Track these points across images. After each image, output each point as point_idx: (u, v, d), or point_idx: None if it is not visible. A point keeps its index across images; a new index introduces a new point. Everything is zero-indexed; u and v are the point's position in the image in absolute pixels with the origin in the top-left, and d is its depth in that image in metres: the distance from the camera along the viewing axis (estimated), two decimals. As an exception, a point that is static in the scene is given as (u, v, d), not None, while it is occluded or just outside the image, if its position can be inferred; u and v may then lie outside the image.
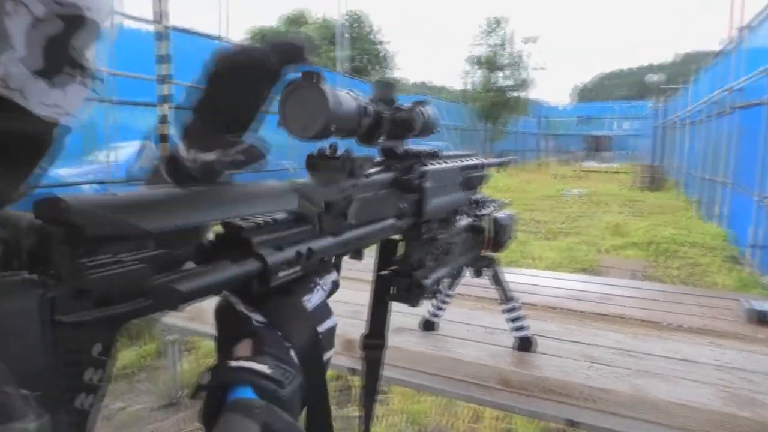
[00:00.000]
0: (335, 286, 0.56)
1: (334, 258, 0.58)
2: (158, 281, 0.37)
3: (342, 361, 1.51)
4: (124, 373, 3.28)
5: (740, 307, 1.86)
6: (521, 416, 2.39)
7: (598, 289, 2.14)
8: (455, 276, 1.56)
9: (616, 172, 19.54)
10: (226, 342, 0.47)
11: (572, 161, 22.65)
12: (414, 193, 0.75)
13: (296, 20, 27.93)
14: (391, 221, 0.69)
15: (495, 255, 1.44)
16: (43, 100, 0.34)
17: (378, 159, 0.76)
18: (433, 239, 0.88)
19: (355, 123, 0.61)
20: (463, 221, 1.11)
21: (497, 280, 1.46)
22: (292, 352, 0.46)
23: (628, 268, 5.63)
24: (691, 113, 10.78)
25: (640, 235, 8.09)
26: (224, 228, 0.45)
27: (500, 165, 1.49)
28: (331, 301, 0.54)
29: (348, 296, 2.04)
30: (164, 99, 3.47)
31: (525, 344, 1.50)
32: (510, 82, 22.43)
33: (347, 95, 0.59)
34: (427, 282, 0.85)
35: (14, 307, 0.30)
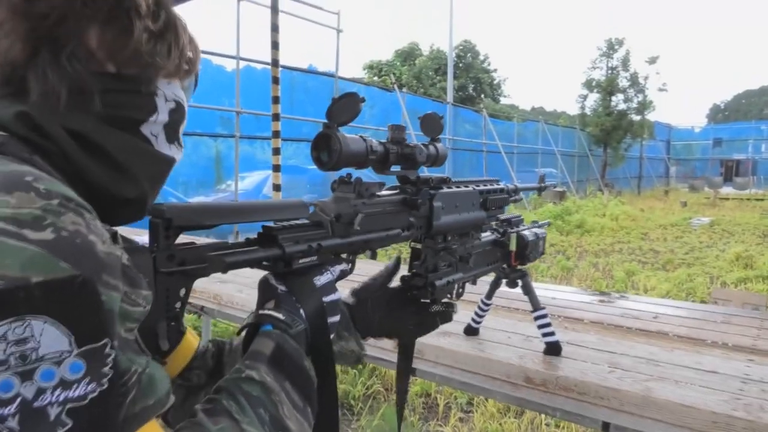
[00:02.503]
0: (343, 273, 0.77)
1: (349, 256, 0.80)
2: (214, 254, 0.60)
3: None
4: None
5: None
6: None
7: (652, 309, 2.18)
8: (493, 287, 1.76)
9: (760, 200, 17.57)
10: (261, 301, 0.70)
11: (706, 187, 20.71)
12: (420, 210, 0.92)
13: (411, 53, 29.05)
14: (396, 231, 0.87)
15: (525, 268, 1.64)
16: (166, 148, 0.63)
17: (394, 185, 0.97)
18: (447, 249, 1.05)
19: (363, 158, 0.79)
20: (489, 236, 1.34)
21: (527, 290, 1.64)
22: (302, 311, 0.68)
23: (749, 301, 5.13)
24: None
25: (775, 269, 7.29)
26: (262, 228, 0.68)
27: (538, 190, 1.68)
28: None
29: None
30: (276, 134, 4.02)
31: (552, 349, 1.65)
32: (631, 105, 21.27)
33: (358, 138, 0.80)
34: (439, 283, 1.01)
35: (140, 259, 0.52)
